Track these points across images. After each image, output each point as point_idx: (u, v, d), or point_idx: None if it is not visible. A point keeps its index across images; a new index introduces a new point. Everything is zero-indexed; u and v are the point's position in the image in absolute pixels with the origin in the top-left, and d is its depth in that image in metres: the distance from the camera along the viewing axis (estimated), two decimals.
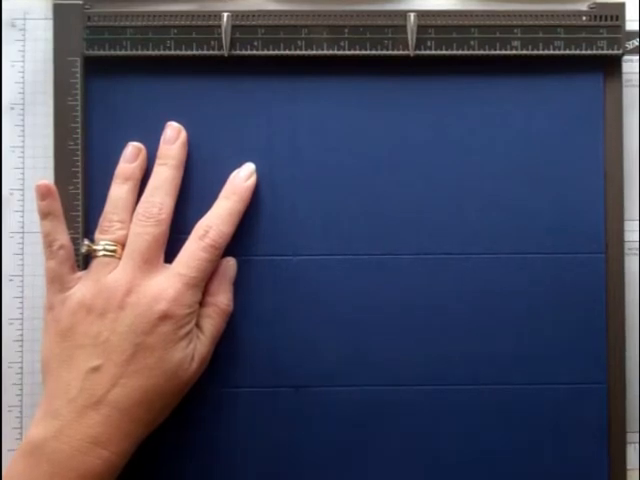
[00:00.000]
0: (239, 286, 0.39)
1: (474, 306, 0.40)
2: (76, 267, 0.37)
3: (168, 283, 0.36)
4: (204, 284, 0.37)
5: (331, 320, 0.40)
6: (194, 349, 0.36)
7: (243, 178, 0.39)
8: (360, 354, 0.40)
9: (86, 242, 0.37)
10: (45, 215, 0.37)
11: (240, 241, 0.39)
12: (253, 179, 0.39)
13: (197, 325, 0.37)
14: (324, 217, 0.40)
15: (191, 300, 0.36)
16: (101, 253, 0.36)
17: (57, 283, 0.36)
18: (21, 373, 0.40)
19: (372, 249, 0.40)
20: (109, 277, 0.36)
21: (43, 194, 0.37)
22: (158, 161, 0.38)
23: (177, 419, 0.38)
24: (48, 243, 0.37)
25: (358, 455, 0.40)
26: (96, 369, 0.34)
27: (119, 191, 0.38)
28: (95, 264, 0.37)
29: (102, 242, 0.37)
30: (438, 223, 0.40)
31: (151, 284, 0.35)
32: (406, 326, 0.40)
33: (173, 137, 0.39)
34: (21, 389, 0.40)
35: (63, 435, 0.33)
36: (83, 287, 0.36)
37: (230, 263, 0.39)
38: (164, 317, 0.35)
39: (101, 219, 0.38)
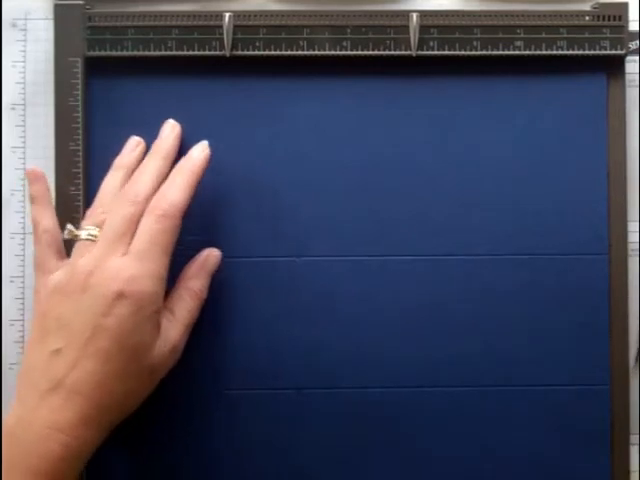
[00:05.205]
0: (241, 287, 0.39)
1: (477, 307, 0.40)
2: (64, 253, 0.37)
3: (126, 263, 0.34)
4: (166, 260, 0.36)
5: (334, 321, 0.39)
6: (163, 333, 0.35)
7: (195, 152, 0.38)
8: (363, 355, 0.39)
9: (69, 227, 0.37)
10: (32, 199, 0.37)
11: (242, 242, 0.39)
12: (206, 153, 0.38)
13: (168, 308, 0.36)
14: (326, 218, 0.40)
15: (150, 278, 0.34)
16: (83, 237, 0.36)
17: (41, 267, 0.36)
18: None
19: (374, 250, 0.40)
20: (81, 259, 0.35)
21: (31, 180, 0.37)
22: (148, 155, 0.38)
23: (179, 421, 0.38)
24: (34, 227, 0.37)
25: (360, 456, 0.40)
26: (57, 352, 0.33)
27: (110, 180, 0.38)
28: (75, 248, 0.36)
29: (86, 227, 0.36)
30: (441, 224, 0.40)
31: (111, 265, 0.34)
32: (409, 328, 0.40)
33: (167, 133, 0.39)
34: None
35: (25, 421, 0.33)
36: (62, 271, 0.35)
37: (214, 254, 0.38)
38: (120, 297, 0.34)
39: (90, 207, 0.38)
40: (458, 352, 0.40)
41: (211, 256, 0.38)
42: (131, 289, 0.34)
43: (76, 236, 0.36)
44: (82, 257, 0.35)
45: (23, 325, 0.40)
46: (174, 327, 0.36)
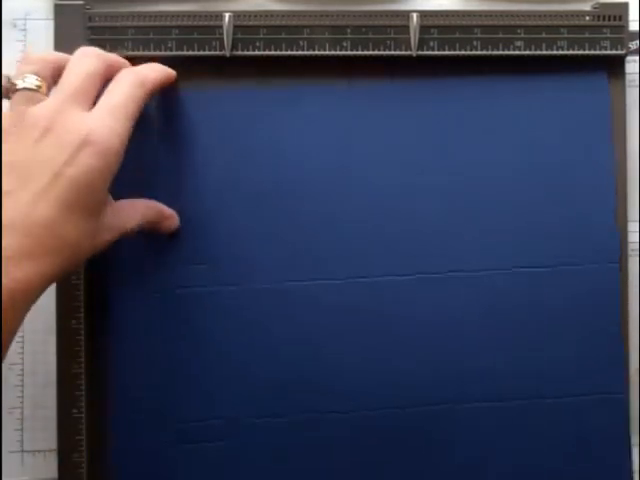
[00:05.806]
0: (251, 313, 0.39)
1: (489, 320, 0.39)
2: None
3: (91, 116, 0.33)
4: (130, 126, 0.34)
5: (349, 343, 0.39)
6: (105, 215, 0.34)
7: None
8: (377, 376, 0.39)
9: (5, 73, 0.33)
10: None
11: (244, 266, 0.39)
12: (172, 75, 0.38)
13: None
14: (328, 229, 0.39)
15: (116, 135, 0.33)
16: (25, 86, 0.32)
17: None
18: (22, 375, 0.40)
19: (376, 266, 0.39)
20: (34, 107, 0.32)
21: None
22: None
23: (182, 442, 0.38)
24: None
25: (373, 474, 0.39)
26: (7, 193, 0.31)
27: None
28: (17, 97, 0.33)
29: (26, 75, 0.33)
30: (446, 235, 0.39)
31: (75, 116, 0.32)
32: (421, 344, 0.39)
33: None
34: (22, 390, 0.40)
35: None
36: (8, 118, 0.32)
37: (175, 218, 0.38)
38: (86, 145, 0.32)
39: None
40: (471, 366, 0.39)
41: (173, 219, 0.38)
42: (98, 139, 0.32)
43: (14, 85, 0.33)
44: (35, 106, 0.32)
45: (23, 325, 0.40)
46: (115, 217, 0.35)
